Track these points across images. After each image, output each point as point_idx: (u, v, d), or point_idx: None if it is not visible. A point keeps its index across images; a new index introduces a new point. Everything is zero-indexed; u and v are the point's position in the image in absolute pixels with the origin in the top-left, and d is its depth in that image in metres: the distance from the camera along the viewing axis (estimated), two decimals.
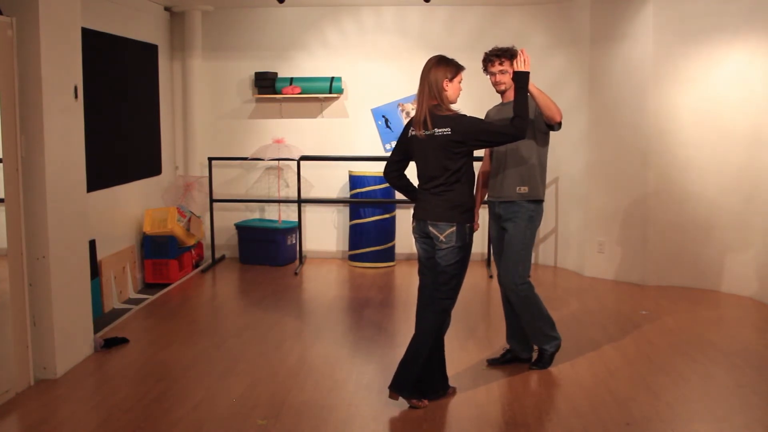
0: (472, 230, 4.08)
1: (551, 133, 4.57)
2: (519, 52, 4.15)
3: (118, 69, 6.58)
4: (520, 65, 4.10)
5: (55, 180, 4.48)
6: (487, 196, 4.73)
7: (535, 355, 4.74)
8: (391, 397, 4.06)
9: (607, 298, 6.47)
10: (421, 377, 4.08)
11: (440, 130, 3.94)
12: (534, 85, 4.24)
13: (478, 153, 4.48)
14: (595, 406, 4.09)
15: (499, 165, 4.56)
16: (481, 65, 4.55)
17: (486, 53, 4.48)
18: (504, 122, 4.15)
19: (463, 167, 4.00)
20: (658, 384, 4.43)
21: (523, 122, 4.02)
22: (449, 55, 4.09)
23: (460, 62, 4.11)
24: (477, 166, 4.63)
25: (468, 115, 4.04)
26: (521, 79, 4.08)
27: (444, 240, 4.02)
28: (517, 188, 4.47)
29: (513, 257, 4.49)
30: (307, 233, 8.09)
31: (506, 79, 4.42)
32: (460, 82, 4.05)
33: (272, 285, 6.94)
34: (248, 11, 7.85)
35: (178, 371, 4.66)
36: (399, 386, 4.05)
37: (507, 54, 4.40)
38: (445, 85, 3.98)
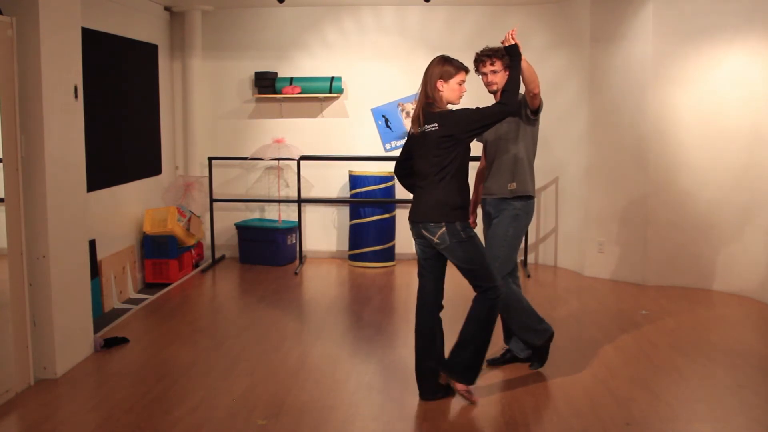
0: (465, 227, 4.00)
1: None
2: (508, 33, 4.10)
3: (118, 69, 6.58)
4: (508, 40, 4.06)
5: (55, 180, 4.48)
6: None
7: (529, 352, 4.75)
8: (445, 382, 4.15)
9: (607, 297, 6.47)
10: (477, 363, 4.09)
11: (429, 127, 3.96)
12: (525, 58, 4.15)
13: (476, 153, 4.47)
14: (595, 406, 4.09)
15: (490, 163, 4.56)
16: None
17: (477, 54, 4.44)
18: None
19: (451, 164, 3.96)
20: (658, 384, 4.43)
21: (512, 96, 3.97)
22: (449, 55, 4.07)
23: (460, 62, 4.09)
24: (473, 165, 4.64)
25: (458, 108, 4.02)
26: (514, 52, 4.04)
27: (438, 242, 4.01)
28: (508, 185, 4.46)
29: (490, 253, 4.44)
30: (307, 233, 8.09)
31: (498, 79, 4.37)
32: (460, 83, 4.00)
33: (272, 285, 6.94)
34: (248, 11, 7.85)
35: (178, 371, 4.66)
36: (450, 368, 4.12)
37: (498, 54, 4.37)
38: (438, 85, 3.97)
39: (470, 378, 4.11)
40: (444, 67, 3.99)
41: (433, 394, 4.18)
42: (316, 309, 6.20)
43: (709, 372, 4.65)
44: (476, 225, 4.71)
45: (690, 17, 6.47)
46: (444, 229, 3.97)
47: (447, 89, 3.99)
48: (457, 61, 4.04)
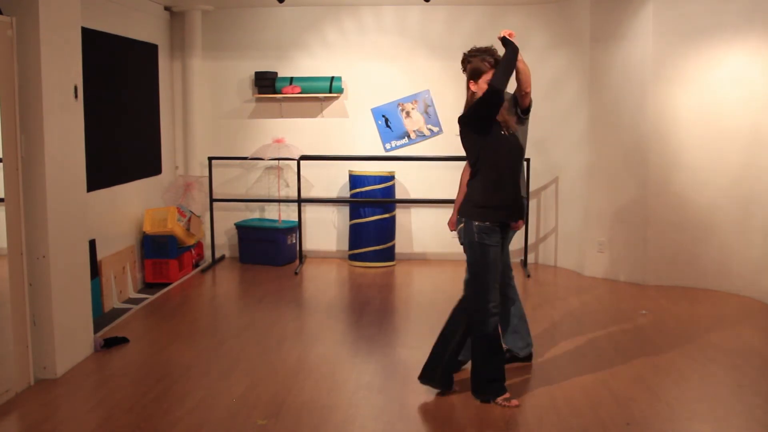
0: (482, 231, 3.98)
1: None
2: (504, 31, 4.08)
3: (118, 69, 6.58)
4: (503, 35, 4.04)
5: (55, 180, 4.48)
6: None
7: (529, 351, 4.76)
8: (483, 402, 4.14)
9: (607, 297, 6.47)
10: (494, 376, 4.12)
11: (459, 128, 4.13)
12: (521, 58, 4.13)
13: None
14: (595, 406, 4.09)
15: None
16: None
17: (465, 54, 4.39)
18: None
19: (477, 162, 4.01)
20: (658, 384, 4.43)
21: (500, 77, 3.85)
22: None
23: (493, 61, 4.05)
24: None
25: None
26: (507, 41, 3.98)
27: (458, 234, 4.13)
28: None
29: None
30: (307, 233, 8.09)
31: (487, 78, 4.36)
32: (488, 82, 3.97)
33: (272, 285, 6.94)
34: (248, 11, 7.85)
35: (178, 371, 4.66)
36: (475, 390, 4.18)
37: (487, 54, 4.36)
38: (471, 86, 4.05)
39: (499, 388, 4.13)
40: (473, 66, 4.01)
41: (430, 380, 4.22)
42: (316, 309, 6.20)
43: (709, 372, 4.65)
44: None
45: (690, 17, 6.46)
46: (463, 224, 4.05)
47: (479, 89, 4.01)
48: (490, 58, 4.00)
